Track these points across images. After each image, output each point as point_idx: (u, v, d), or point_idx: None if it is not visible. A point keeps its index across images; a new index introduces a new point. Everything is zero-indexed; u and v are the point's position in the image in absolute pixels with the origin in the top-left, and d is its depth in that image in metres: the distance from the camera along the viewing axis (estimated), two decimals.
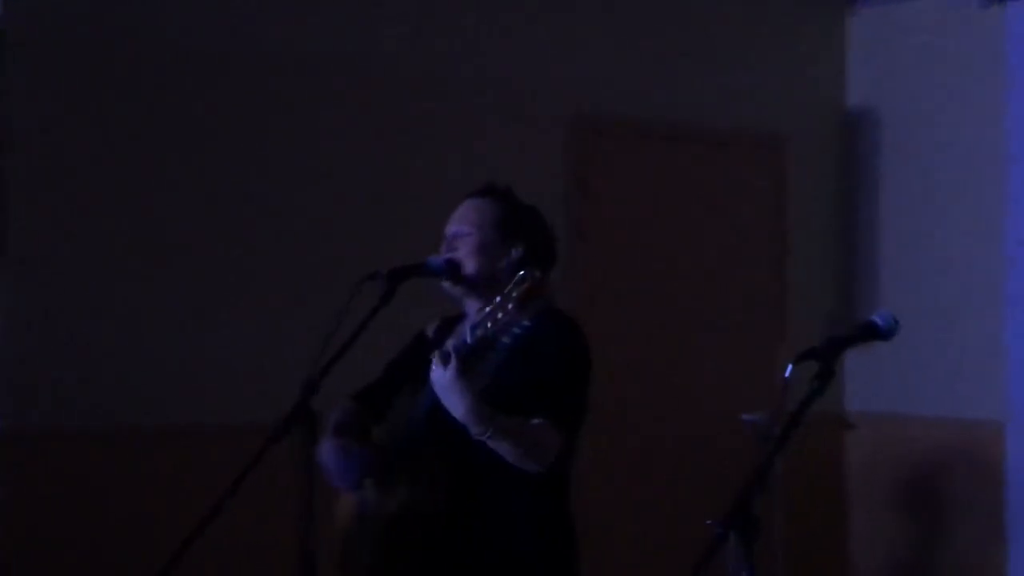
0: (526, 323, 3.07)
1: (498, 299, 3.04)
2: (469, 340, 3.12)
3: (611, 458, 5.93)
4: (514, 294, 3.01)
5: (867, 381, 6.51)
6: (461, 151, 5.61)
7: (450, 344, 3.12)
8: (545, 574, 3.37)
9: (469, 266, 3.39)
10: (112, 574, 4.71)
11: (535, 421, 3.20)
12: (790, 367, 2.59)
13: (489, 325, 3.06)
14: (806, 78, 6.73)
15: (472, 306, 3.41)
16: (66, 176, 4.86)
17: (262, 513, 4.46)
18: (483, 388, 3.16)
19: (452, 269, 3.39)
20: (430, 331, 3.59)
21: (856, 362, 6.39)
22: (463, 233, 3.43)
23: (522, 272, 3.04)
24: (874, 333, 2.79)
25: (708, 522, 2.41)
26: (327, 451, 3.38)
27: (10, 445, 4.69)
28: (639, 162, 6.24)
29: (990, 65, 6.24)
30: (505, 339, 3.12)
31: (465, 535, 3.30)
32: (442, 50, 5.63)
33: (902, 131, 6.65)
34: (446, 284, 3.41)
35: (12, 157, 4.70)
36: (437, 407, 3.23)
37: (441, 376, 3.08)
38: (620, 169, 6.18)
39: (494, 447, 3.15)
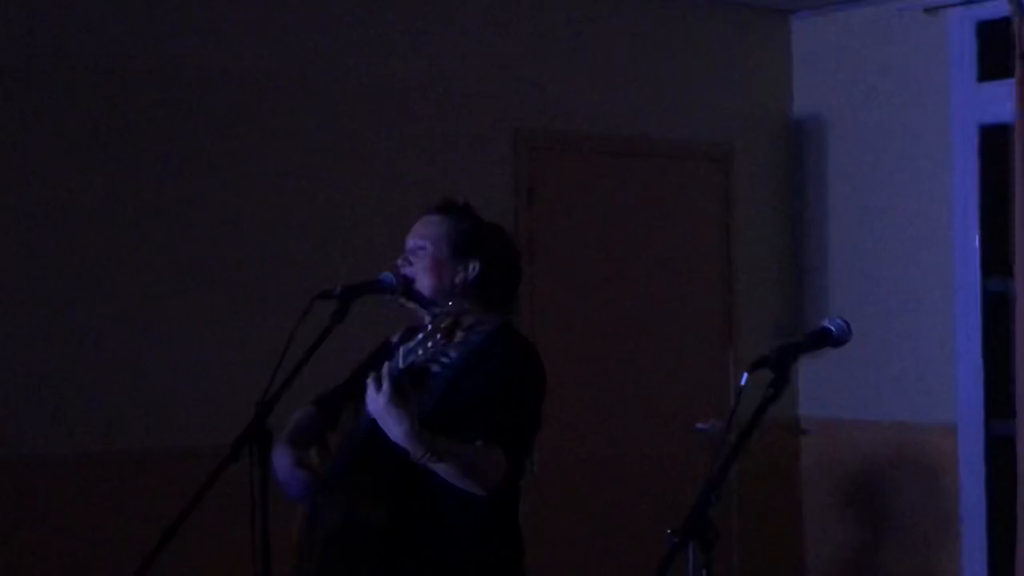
0: (454, 354, 3.08)
1: (428, 327, 3.05)
2: (401, 365, 3.13)
3: (563, 470, 5.93)
4: (441, 325, 3.03)
5: (821, 387, 6.55)
6: (410, 165, 5.61)
7: (384, 369, 3.11)
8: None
9: (423, 282, 3.39)
10: None
11: (478, 444, 3.19)
12: (745, 375, 2.59)
13: (420, 352, 3.07)
14: (751, 89, 6.77)
15: (427, 316, 3.41)
16: (18, 194, 4.80)
17: (217, 536, 4.42)
18: (429, 411, 3.16)
19: (405, 285, 3.39)
20: (395, 339, 3.58)
21: (810, 368, 6.44)
22: (418, 247, 3.44)
23: (448, 307, 3.06)
24: (827, 340, 2.81)
25: (668, 531, 2.42)
26: (277, 458, 3.36)
27: None
28: (587, 175, 6.25)
29: (934, 72, 6.30)
30: (444, 360, 3.12)
31: (407, 549, 3.29)
32: (391, 64, 5.63)
33: (848, 139, 6.69)
34: (402, 299, 3.41)
35: None
36: (376, 426, 3.23)
37: (375, 401, 3.07)
38: (568, 182, 6.19)
39: (435, 470, 3.15)
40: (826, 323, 2.82)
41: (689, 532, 2.43)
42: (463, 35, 5.85)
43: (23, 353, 4.80)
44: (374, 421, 3.19)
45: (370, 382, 3.09)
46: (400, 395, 3.05)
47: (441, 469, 3.14)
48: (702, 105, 6.56)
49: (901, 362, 6.42)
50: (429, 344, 3.04)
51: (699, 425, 6.35)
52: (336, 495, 3.29)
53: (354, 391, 3.45)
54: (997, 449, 6.11)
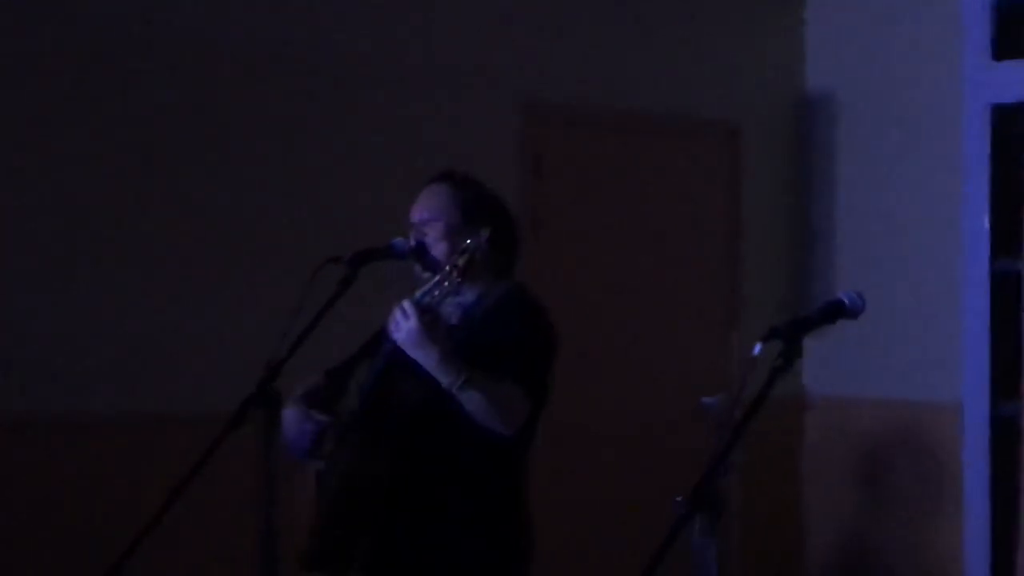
0: (471, 296, 3.10)
1: (446, 267, 3.05)
2: (419, 301, 3.14)
3: (566, 443, 5.92)
4: (459, 263, 3.02)
5: (826, 364, 6.53)
6: (416, 137, 5.59)
7: (407, 301, 3.13)
8: (494, 544, 3.38)
9: (436, 250, 3.41)
10: (72, 562, 4.66)
11: (505, 381, 3.22)
12: (758, 346, 2.58)
13: (436, 293, 3.08)
14: (762, 63, 6.74)
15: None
16: (20, 159, 4.79)
17: (225, 499, 4.43)
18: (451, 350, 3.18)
19: (419, 252, 3.40)
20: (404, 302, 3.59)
21: (815, 345, 6.40)
22: (429, 219, 3.45)
23: (467, 241, 3.06)
24: (840, 312, 2.80)
25: (676, 499, 2.42)
26: (286, 417, 3.38)
27: None
28: (594, 148, 6.23)
29: (946, 48, 6.27)
30: (460, 303, 3.13)
31: (409, 501, 3.31)
32: (396, 37, 5.60)
33: (859, 117, 6.67)
34: (416, 268, 3.42)
35: None
36: (386, 373, 3.25)
37: (403, 328, 3.09)
38: (574, 155, 6.17)
39: (464, 400, 3.16)
40: (840, 295, 2.82)
41: (698, 502, 2.43)
42: (471, 6, 5.82)
43: (35, 316, 4.79)
44: (381, 373, 3.22)
45: (396, 310, 3.11)
46: (429, 320, 3.06)
47: (468, 399, 3.17)
48: (713, 80, 6.53)
49: (907, 340, 6.41)
50: (445, 284, 3.03)
51: (704, 400, 6.33)
52: (346, 448, 3.30)
53: (365, 358, 3.47)
54: (1002, 429, 6.11)
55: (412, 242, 3.43)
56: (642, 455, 6.28)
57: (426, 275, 3.42)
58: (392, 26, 5.60)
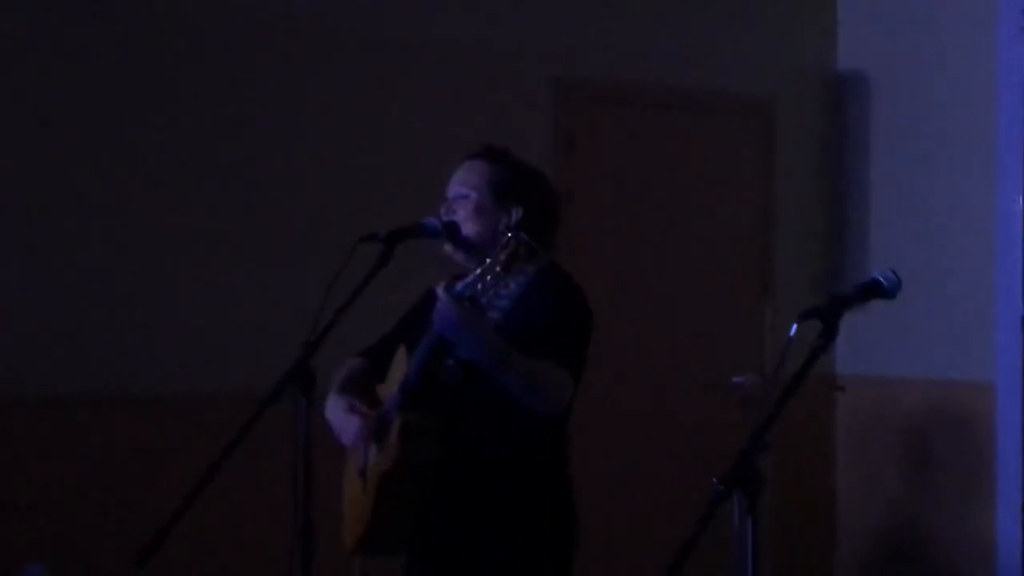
0: (513, 285, 3.09)
1: (487, 261, 3.04)
2: (462, 293, 3.13)
3: (599, 422, 5.92)
4: (501, 257, 3.01)
5: (858, 344, 6.51)
6: (450, 114, 5.58)
7: (446, 292, 3.13)
8: (544, 525, 3.38)
9: (467, 228, 3.41)
10: (107, 542, 4.69)
11: (547, 361, 3.21)
12: (795, 326, 2.57)
13: (479, 287, 3.06)
14: (794, 40, 6.71)
15: (473, 267, 3.41)
16: (31, 141, 4.79)
17: (261, 478, 4.45)
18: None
19: (450, 230, 3.39)
20: (439, 289, 3.58)
21: (847, 324, 6.36)
22: (461, 195, 3.44)
23: (509, 235, 3.04)
24: (877, 291, 2.79)
25: (712, 479, 2.41)
26: (330, 408, 3.41)
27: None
28: (626, 125, 6.22)
29: (981, 25, 6.22)
30: (502, 294, 3.12)
31: (460, 486, 3.31)
32: (430, 12, 5.60)
33: (892, 93, 6.63)
34: (447, 246, 3.41)
35: None
36: (430, 361, 3.24)
37: (444, 311, 3.09)
38: (607, 132, 6.15)
39: (507, 381, 3.15)
40: (876, 274, 2.80)
41: (735, 481, 2.42)
42: None
43: (63, 295, 4.81)
44: (426, 359, 3.21)
45: (439, 292, 3.11)
46: (469, 308, 3.06)
47: (512, 379, 3.16)
48: (744, 57, 6.50)
49: (940, 320, 6.38)
50: (488, 277, 3.02)
51: (735, 379, 6.33)
52: (388, 435, 3.31)
53: (402, 338, 3.47)
54: None
55: (443, 219, 3.43)
56: (674, 433, 6.27)
57: (457, 254, 3.42)
58: (424, 3, 5.59)
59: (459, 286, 3.13)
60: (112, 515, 4.79)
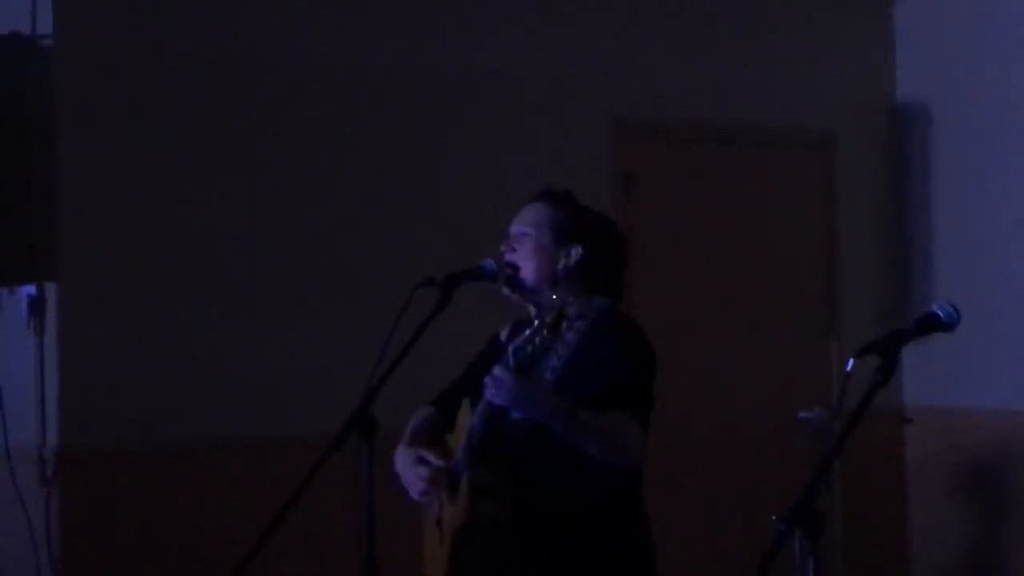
0: (563, 350, 3.09)
1: (536, 323, 3.05)
2: (512, 363, 3.13)
3: (667, 459, 5.90)
4: (548, 320, 3.03)
5: (925, 375, 6.45)
6: (510, 154, 5.61)
7: (499, 367, 3.13)
8: (626, 571, 3.36)
9: (526, 268, 3.41)
10: None
11: (617, 414, 3.20)
12: (852, 361, 2.57)
13: (529, 349, 3.08)
14: (854, 72, 6.69)
15: (533, 309, 3.42)
16: (114, 194, 4.88)
17: (326, 523, 4.47)
18: (551, 387, 3.17)
19: (507, 273, 3.40)
20: (504, 334, 3.59)
21: (914, 356, 6.34)
22: (521, 233, 3.45)
23: (552, 299, 3.06)
24: (935, 325, 2.77)
25: (772, 518, 2.40)
26: (399, 460, 3.42)
27: (73, 463, 4.72)
28: (686, 162, 6.22)
29: None
30: (554, 361, 3.13)
31: (532, 546, 3.30)
32: (492, 52, 5.64)
33: (953, 123, 6.59)
34: (504, 289, 3.42)
35: (61, 176, 4.70)
36: (495, 415, 3.24)
37: (504, 390, 3.08)
38: (667, 169, 6.16)
39: (580, 442, 3.14)
40: (934, 308, 2.79)
41: (795, 519, 2.42)
42: (562, 22, 5.84)
43: (135, 348, 4.88)
44: (490, 418, 3.21)
45: (489, 380, 3.11)
46: (524, 375, 3.07)
47: (585, 441, 3.14)
48: (804, 90, 6.49)
49: (1009, 349, 6.31)
50: (537, 340, 3.03)
51: (802, 414, 6.30)
52: (461, 491, 3.31)
53: (469, 389, 3.48)
54: None
55: (504, 258, 3.44)
56: (741, 469, 6.23)
57: (514, 296, 3.43)
58: (486, 43, 5.64)
59: (511, 352, 3.13)
60: (179, 561, 4.83)
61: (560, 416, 3.10)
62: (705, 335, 6.21)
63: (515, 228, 3.49)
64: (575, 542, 3.31)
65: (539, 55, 5.77)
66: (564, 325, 3.04)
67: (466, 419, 3.39)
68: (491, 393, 3.13)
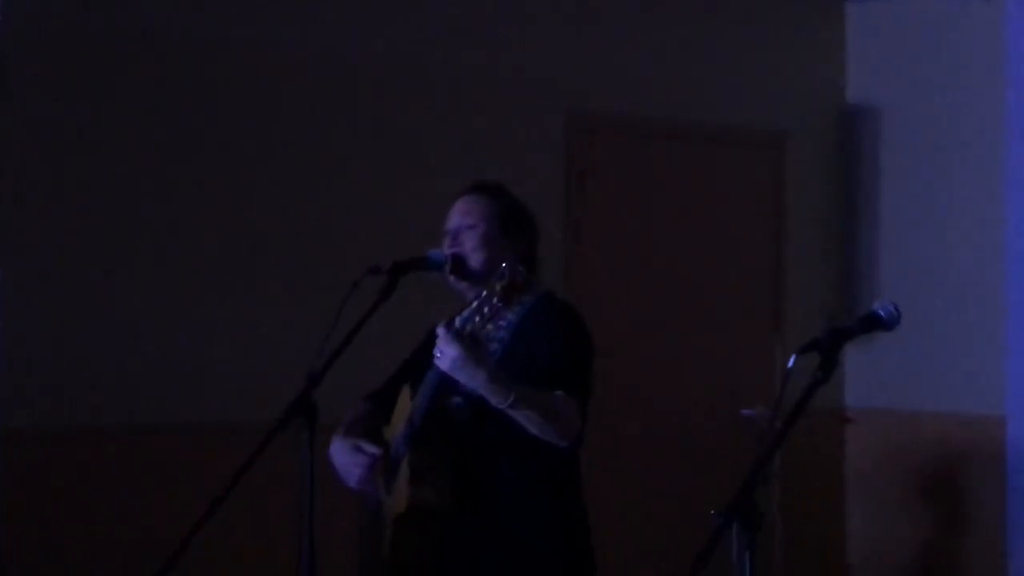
0: (512, 316, 3.09)
1: (483, 293, 3.04)
2: (459, 326, 3.12)
3: (609, 453, 5.92)
4: (498, 288, 3.01)
5: (866, 376, 6.51)
6: (459, 148, 5.61)
7: (446, 329, 3.11)
8: (560, 553, 3.37)
9: (475, 259, 3.40)
10: (112, 572, 4.70)
11: (557, 392, 3.21)
12: (793, 357, 2.58)
13: (477, 319, 3.06)
14: (805, 73, 6.73)
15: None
16: (57, 175, 4.84)
17: (264, 509, 4.46)
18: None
19: (455, 263, 3.40)
20: (439, 327, 3.58)
21: (856, 357, 6.40)
22: (467, 226, 3.44)
23: (503, 265, 3.04)
24: (876, 323, 2.79)
25: (712, 512, 2.41)
26: (334, 450, 3.40)
27: (9, 445, 4.68)
28: (637, 158, 6.24)
29: (990, 59, 6.24)
30: (501, 326, 3.12)
31: (473, 529, 3.31)
32: (440, 46, 5.63)
33: (902, 126, 6.64)
34: (451, 278, 3.41)
35: (3, 158, 4.67)
36: (436, 400, 3.24)
37: (446, 355, 3.08)
38: (618, 165, 6.18)
39: (518, 416, 3.14)
40: (876, 307, 2.81)
41: (734, 513, 2.43)
42: (515, 17, 5.84)
43: (72, 330, 4.84)
44: (431, 399, 3.21)
45: (439, 330, 3.10)
46: (471, 344, 3.06)
47: (522, 416, 3.15)
48: (755, 90, 6.53)
49: (950, 352, 6.37)
50: (485, 309, 3.02)
51: (744, 411, 6.32)
52: (398, 479, 3.31)
53: (407, 380, 3.47)
54: None
55: (447, 252, 3.43)
56: (683, 465, 6.27)
57: (461, 285, 3.42)
58: (436, 36, 5.63)
59: (457, 321, 3.12)
60: (117, 544, 4.80)
61: (500, 389, 3.10)
62: (651, 329, 6.23)
63: (457, 222, 3.46)
64: (513, 526, 3.32)
65: (493, 49, 5.76)
66: (515, 297, 3.01)
67: (406, 405, 3.38)
68: (436, 356, 3.11)
